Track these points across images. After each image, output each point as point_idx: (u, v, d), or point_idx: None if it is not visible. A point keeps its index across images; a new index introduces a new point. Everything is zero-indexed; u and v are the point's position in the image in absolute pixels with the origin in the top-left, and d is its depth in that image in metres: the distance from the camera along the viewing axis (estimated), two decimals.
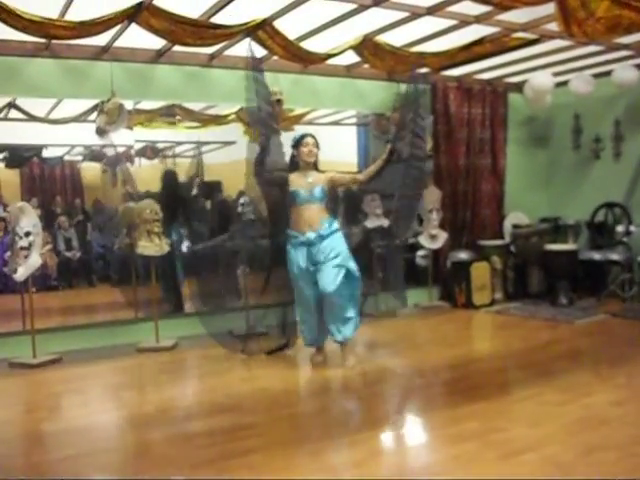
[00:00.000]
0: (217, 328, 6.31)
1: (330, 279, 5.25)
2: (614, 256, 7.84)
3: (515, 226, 8.51)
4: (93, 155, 7.87)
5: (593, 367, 5.22)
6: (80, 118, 6.87)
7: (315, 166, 5.59)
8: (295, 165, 5.59)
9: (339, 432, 3.92)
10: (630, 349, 5.84)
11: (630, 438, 3.54)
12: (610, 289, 7.88)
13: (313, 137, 5.59)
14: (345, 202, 7.94)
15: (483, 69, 7.97)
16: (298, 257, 5.43)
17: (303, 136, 5.58)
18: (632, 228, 7.78)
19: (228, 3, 5.15)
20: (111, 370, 5.67)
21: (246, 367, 5.75)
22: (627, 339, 6.25)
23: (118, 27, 5.50)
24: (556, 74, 8.04)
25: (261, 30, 5.67)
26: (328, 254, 5.32)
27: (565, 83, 8.14)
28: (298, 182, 5.49)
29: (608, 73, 7.78)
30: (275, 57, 6.43)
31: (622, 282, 7.77)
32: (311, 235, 5.38)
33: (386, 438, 3.82)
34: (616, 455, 3.32)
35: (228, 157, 8.31)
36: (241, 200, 6.90)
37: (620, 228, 7.93)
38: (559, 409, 4.08)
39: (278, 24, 5.66)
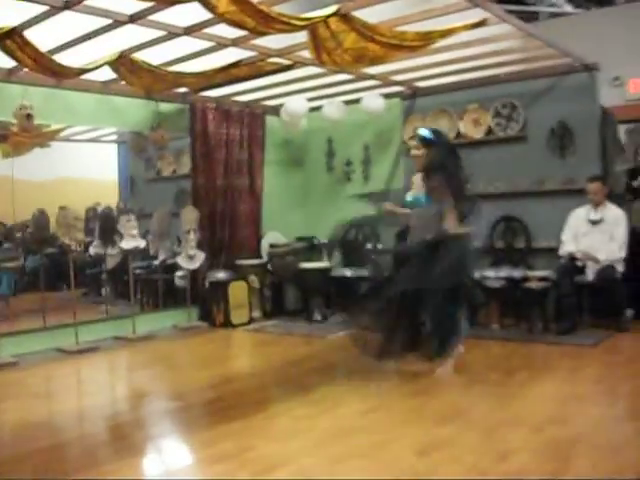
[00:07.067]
0: None
1: None
2: (364, 273, 8.30)
3: (272, 245, 8.73)
4: None
5: (344, 379, 5.47)
6: None
7: None
8: None
9: (95, 461, 3.76)
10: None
11: (374, 445, 3.75)
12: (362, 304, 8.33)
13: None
14: (101, 222, 7.69)
15: (241, 91, 8.12)
16: None
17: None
18: (379, 246, 8.28)
19: None
20: None
21: None
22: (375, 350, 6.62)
23: None
24: (310, 99, 8.40)
25: (9, 39, 5.32)
26: None
27: (319, 108, 8.52)
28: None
29: (358, 101, 8.27)
30: (26, 69, 6.07)
31: None
32: None
33: (144, 465, 3.73)
34: (361, 463, 3.49)
35: None
36: None
37: (369, 246, 8.42)
38: (310, 422, 4.22)
39: (29, 34, 5.34)
